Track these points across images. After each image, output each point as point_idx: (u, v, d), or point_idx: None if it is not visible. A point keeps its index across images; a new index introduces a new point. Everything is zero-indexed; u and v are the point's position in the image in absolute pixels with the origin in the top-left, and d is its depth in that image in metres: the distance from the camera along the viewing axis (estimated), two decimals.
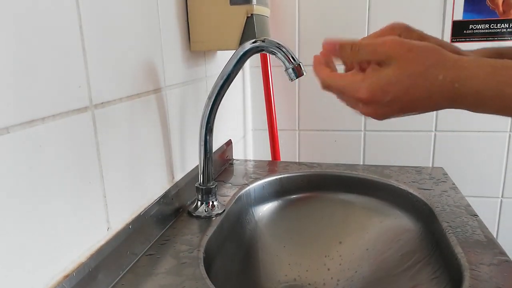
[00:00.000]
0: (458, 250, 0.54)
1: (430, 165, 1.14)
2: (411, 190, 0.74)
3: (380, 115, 0.36)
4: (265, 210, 0.80)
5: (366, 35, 1.08)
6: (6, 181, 0.34)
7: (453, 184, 0.79)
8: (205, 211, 0.67)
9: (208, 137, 0.64)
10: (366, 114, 0.37)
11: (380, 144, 1.16)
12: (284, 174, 0.84)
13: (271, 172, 0.86)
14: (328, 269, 0.73)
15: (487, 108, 0.32)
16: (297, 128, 1.21)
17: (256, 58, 1.15)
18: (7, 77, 0.34)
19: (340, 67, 0.43)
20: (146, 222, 0.57)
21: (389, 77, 0.34)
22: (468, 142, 1.11)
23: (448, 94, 0.32)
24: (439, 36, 1.06)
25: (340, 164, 0.89)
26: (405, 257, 0.66)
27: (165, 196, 0.63)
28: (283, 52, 0.53)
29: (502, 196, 1.14)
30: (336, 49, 0.39)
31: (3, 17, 0.34)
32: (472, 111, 0.33)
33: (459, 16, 1.05)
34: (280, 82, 1.16)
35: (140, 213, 0.56)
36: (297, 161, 1.18)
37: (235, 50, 0.59)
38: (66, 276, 0.41)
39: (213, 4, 0.70)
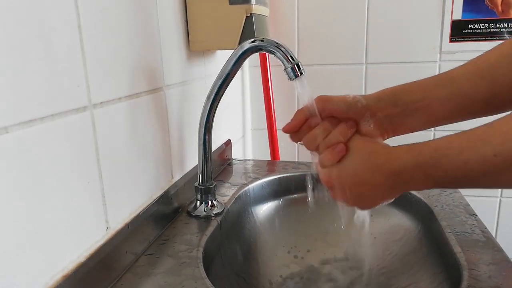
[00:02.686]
0: (457, 249, 0.54)
1: None
2: None
3: (340, 198, 0.45)
4: (264, 209, 0.80)
5: (365, 35, 1.08)
6: (5, 181, 0.34)
7: None
8: (204, 210, 0.66)
9: (207, 137, 0.64)
10: (331, 196, 0.47)
11: None
12: (283, 174, 0.84)
13: (270, 171, 0.86)
14: (328, 269, 0.73)
15: (418, 180, 0.40)
16: None
17: (255, 58, 1.15)
18: (6, 77, 0.34)
19: None
20: (145, 222, 0.57)
21: (338, 169, 0.44)
22: None
23: (385, 172, 0.41)
24: (438, 36, 1.06)
25: None
26: (404, 257, 0.66)
27: (164, 195, 0.62)
28: (282, 51, 0.53)
29: (501, 196, 1.14)
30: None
31: (2, 17, 0.34)
32: (417, 188, 0.43)
33: (458, 15, 1.05)
34: (279, 82, 1.16)
35: (139, 213, 0.56)
36: (296, 160, 1.18)
37: (234, 50, 0.59)
38: (65, 276, 0.41)
39: (212, 4, 0.70)
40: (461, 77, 0.44)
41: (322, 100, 0.47)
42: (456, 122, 0.45)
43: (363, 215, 0.53)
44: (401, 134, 0.47)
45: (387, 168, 0.41)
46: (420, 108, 0.44)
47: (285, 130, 0.48)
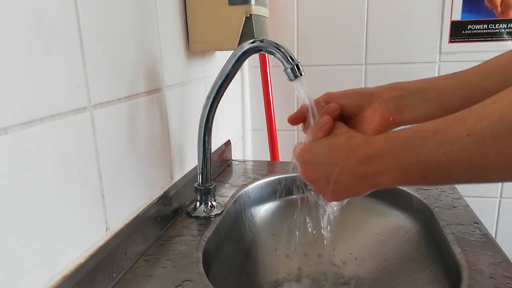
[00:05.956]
0: (456, 250, 0.54)
1: None
2: (410, 190, 0.74)
3: (310, 176, 0.45)
4: (264, 210, 0.80)
5: (364, 35, 1.08)
6: (4, 182, 0.34)
7: None
8: (204, 211, 0.66)
9: (207, 137, 0.64)
10: (301, 175, 0.47)
11: None
12: (283, 175, 0.84)
13: (270, 172, 0.86)
14: (327, 269, 0.73)
15: (389, 169, 0.38)
16: (296, 128, 1.21)
17: (255, 58, 1.15)
18: (5, 78, 0.34)
19: None
20: (144, 222, 0.57)
21: (316, 143, 0.45)
22: None
23: (358, 157, 0.40)
24: (437, 37, 1.07)
25: None
26: (404, 257, 0.66)
27: (164, 196, 0.62)
28: (282, 52, 0.53)
29: (500, 196, 1.14)
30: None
31: (1, 17, 0.34)
32: (386, 182, 0.39)
33: (457, 16, 1.05)
34: (279, 82, 1.16)
35: (139, 213, 0.55)
36: None
37: (233, 50, 0.59)
38: (65, 277, 0.41)
39: (212, 4, 0.70)
40: (472, 73, 0.44)
41: (329, 98, 0.48)
42: None
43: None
44: (409, 122, 0.44)
45: (362, 152, 0.39)
46: (429, 96, 0.44)
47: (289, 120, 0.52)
